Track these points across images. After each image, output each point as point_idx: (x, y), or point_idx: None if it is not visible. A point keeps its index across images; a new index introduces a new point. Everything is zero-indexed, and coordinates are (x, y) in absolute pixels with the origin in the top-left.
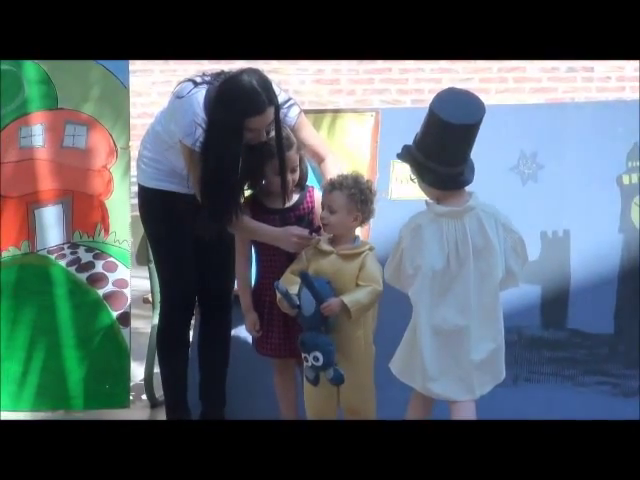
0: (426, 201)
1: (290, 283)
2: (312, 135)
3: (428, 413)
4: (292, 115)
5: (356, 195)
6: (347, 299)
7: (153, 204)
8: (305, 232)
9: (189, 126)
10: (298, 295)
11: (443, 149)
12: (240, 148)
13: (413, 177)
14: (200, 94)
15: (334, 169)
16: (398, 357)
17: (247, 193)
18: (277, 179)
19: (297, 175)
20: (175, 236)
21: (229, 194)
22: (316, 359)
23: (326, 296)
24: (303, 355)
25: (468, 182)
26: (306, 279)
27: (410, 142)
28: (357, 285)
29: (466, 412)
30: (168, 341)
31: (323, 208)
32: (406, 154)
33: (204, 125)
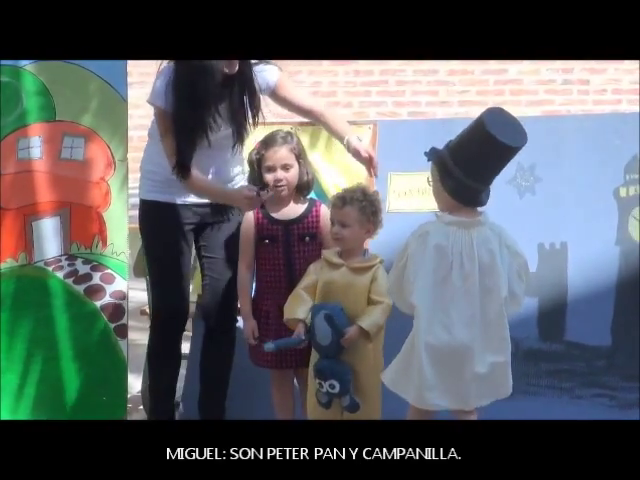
0: (436, 213)
1: (299, 301)
2: (299, 94)
3: None
4: (271, 78)
5: (367, 207)
6: (365, 324)
7: (149, 216)
8: (254, 192)
9: (160, 88)
10: (312, 323)
11: (479, 163)
12: (211, 84)
13: (431, 180)
14: (174, 68)
15: (339, 117)
16: (393, 368)
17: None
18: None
19: (291, 174)
20: (169, 249)
21: (194, 142)
22: (332, 387)
23: (344, 326)
24: (317, 381)
25: (482, 203)
26: (330, 320)
27: (407, 154)
28: (369, 298)
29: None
30: (157, 354)
31: (333, 223)
32: (435, 156)
33: (173, 86)
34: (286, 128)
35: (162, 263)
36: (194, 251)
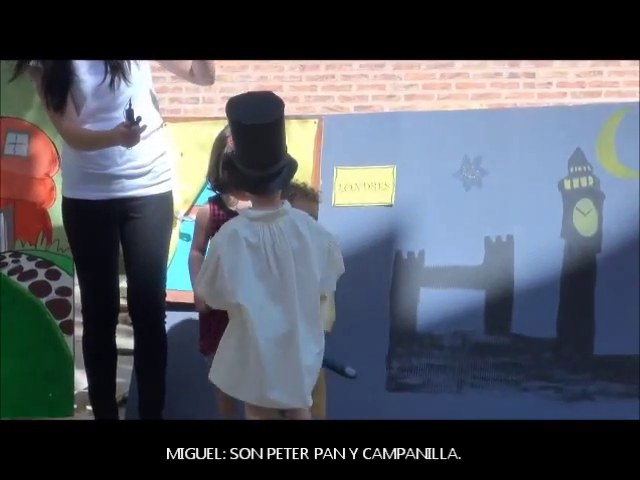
0: (238, 208)
1: None
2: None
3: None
4: None
5: None
6: (324, 326)
7: (70, 214)
8: (129, 127)
9: None
10: None
11: (243, 150)
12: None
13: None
14: None
15: None
16: (223, 370)
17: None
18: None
19: None
20: (92, 247)
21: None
22: None
23: None
24: None
25: (274, 188)
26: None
27: (353, 148)
28: None
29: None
30: (90, 351)
31: None
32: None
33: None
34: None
35: (86, 261)
36: None
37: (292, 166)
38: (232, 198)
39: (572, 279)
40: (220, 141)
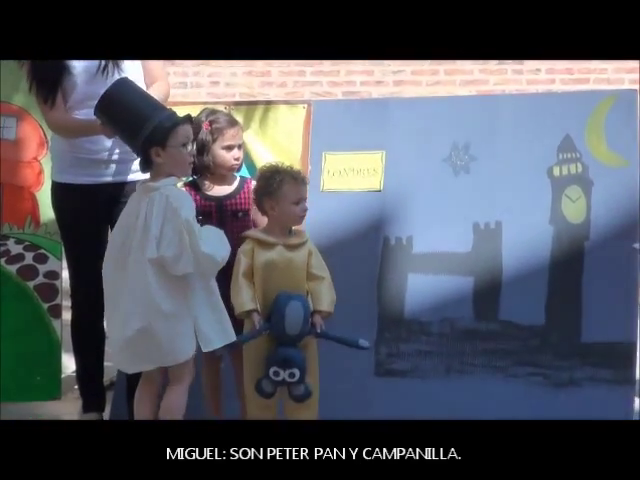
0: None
1: (244, 291)
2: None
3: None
4: None
5: None
6: (328, 307)
7: (58, 197)
8: None
9: None
10: (279, 313)
11: None
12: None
13: None
14: None
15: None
16: None
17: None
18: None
19: (242, 154)
20: (78, 230)
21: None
22: (292, 375)
23: (309, 315)
24: (274, 369)
25: (141, 162)
26: (305, 312)
27: (342, 134)
28: (309, 273)
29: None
30: (77, 335)
31: (299, 202)
32: None
33: None
34: (220, 107)
35: (75, 245)
36: None
37: (164, 123)
38: (207, 183)
39: (560, 266)
40: (195, 126)
